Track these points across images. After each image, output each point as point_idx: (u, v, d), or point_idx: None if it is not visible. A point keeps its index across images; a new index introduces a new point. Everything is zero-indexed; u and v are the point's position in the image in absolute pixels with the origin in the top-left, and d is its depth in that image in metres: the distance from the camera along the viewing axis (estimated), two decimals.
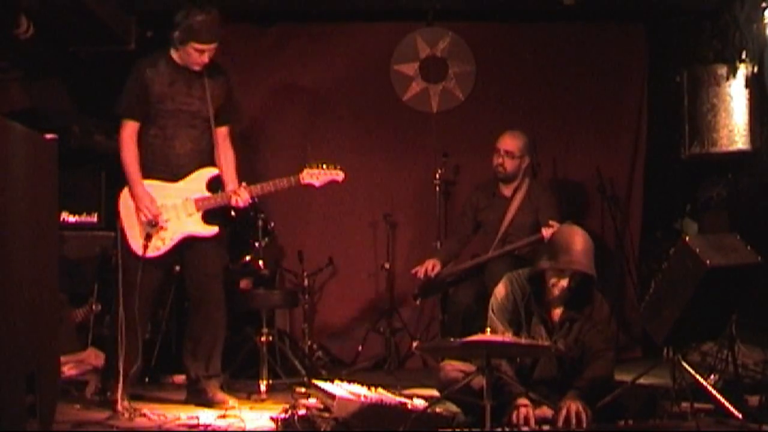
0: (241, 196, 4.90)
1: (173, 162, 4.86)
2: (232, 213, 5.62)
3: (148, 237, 4.77)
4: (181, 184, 4.87)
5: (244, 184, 4.95)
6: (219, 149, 4.95)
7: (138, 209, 4.80)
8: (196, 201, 4.87)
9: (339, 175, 5.08)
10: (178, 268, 5.33)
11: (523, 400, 4.07)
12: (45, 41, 5.93)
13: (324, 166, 5.04)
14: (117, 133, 4.87)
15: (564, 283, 4.27)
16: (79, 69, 6.56)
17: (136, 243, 4.79)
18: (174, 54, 4.85)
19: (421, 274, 5.79)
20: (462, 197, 6.64)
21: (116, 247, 4.81)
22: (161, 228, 4.81)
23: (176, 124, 4.85)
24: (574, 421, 4.02)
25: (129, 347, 4.77)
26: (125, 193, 4.85)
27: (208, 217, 4.91)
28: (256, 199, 5.18)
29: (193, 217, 4.88)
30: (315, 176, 5.03)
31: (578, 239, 4.29)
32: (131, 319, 4.73)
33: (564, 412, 4.05)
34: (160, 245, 4.82)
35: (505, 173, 5.85)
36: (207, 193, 4.90)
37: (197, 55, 4.77)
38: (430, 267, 5.78)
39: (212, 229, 4.90)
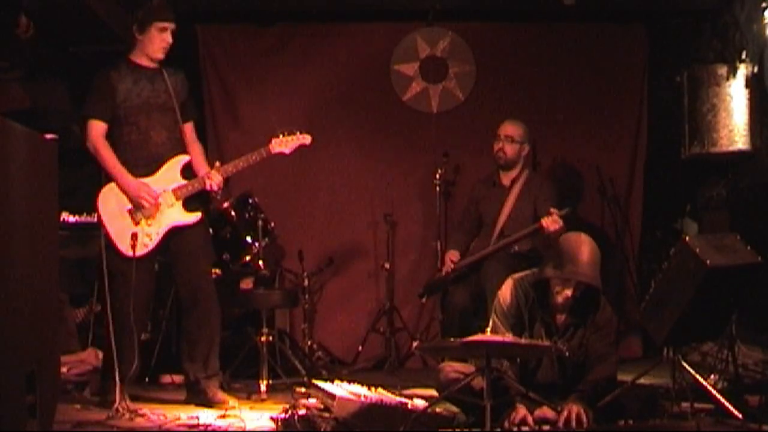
0: (213, 179, 4.94)
1: (152, 153, 4.90)
2: (232, 213, 5.64)
3: (134, 236, 4.78)
4: (156, 176, 4.89)
5: (217, 164, 5.02)
6: (188, 144, 5.04)
7: (137, 199, 4.81)
8: (174, 191, 4.91)
9: (306, 139, 5.15)
10: (156, 266, 5.33)
11: (520, 406, 4.07)
12: (45, 41, 5.93)
13: (290, 133, 5.10)
14: (84, 136, 4.90)
15: (568, 292, 4.26)
16: (79, 69, 6.56)
17: (124, 244, 4.80)
18: (133, 56, 4.95)
19: (449, 269, 5.82)
20: (462, 197, 6.64)
21: (106, 252, 4.81)
22: (147, 224, 4.84)
23: (148, 116, 4.90)
24: (574, 423, 4.02)
25: (126, 349, 4.78)
26: (104, 195, 4.86)
27: (188, 204, 4.95)
28: (229, 194, 5.33)
29: (175, 206, 4.91)
30: (283, 144, 5.09)
31: (585, 249, 4.26)
32: (127, 321, 4.73)
33: (565, 413, 4.05)
34: (147, 242, 4.84)
35: (505, 158, 5.85)
36: (183, 181, 4.94)
37: (160, 37, 4.87)
38: (452, 258, 5.85)
39: (195, 216, 4.94)
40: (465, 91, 6.99)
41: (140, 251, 4.80)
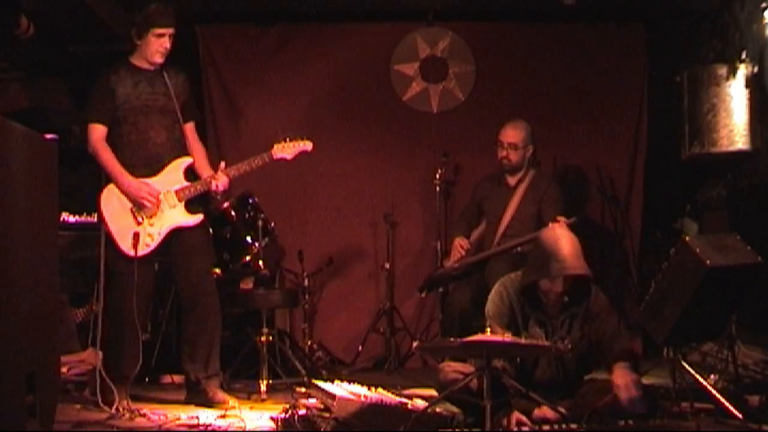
0: (220, 180, 4.96)
1: (152, 153, 4.91)
2: (232, 213, 5.63)
3: (135, 236, 4.79)
4: (158, 177, 4.91)
5: (221, 166, 5.01)
6: (190, 145, 5.05)
7: (138, 198, 4.82)
8: (177, 192, 4.92)
9: (308, 145, 5.20)
10: (156, 266, 5.33)
11: (516, 412, 4.08)
12: (45, 41, 5.93)
13: (292, 139, 5.16)
14: (85, 139, 4.91)
15: (558, 288, 4.25)
16: (79, 69, 6.57)
17: (125, 244, 4.81)
18: (134, 59, 4.96)
19: (457, 256, 5.79)
20: (462, 197, 6.65)
21: (107, 252, 4.82)
22: (149, 224, 4.85)
23: (147, 118, 4.91)
24: (634, 392, 4.05)
25: (130, 349, 4.79)
26: (106, 195, 4.87)
27: (190, 206, 4.96)
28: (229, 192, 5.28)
29: (177, 208, 4.92)
30: (286, 149, 5.14)
31: (564, 242, 4.23)
32: (130, 321, 4.74)
33: (625, 381, 4.07)
34: (149, 242, 4.86)
35: (510, 165, 5.83)
36: (185, 183, 4.96)
37: (158, 43, 4.87)
38: (463, 245, 5.81)
39: (197, 217, 4.96)
40: (465, 91, 6.99)
41: (142, 251, 4.81)
